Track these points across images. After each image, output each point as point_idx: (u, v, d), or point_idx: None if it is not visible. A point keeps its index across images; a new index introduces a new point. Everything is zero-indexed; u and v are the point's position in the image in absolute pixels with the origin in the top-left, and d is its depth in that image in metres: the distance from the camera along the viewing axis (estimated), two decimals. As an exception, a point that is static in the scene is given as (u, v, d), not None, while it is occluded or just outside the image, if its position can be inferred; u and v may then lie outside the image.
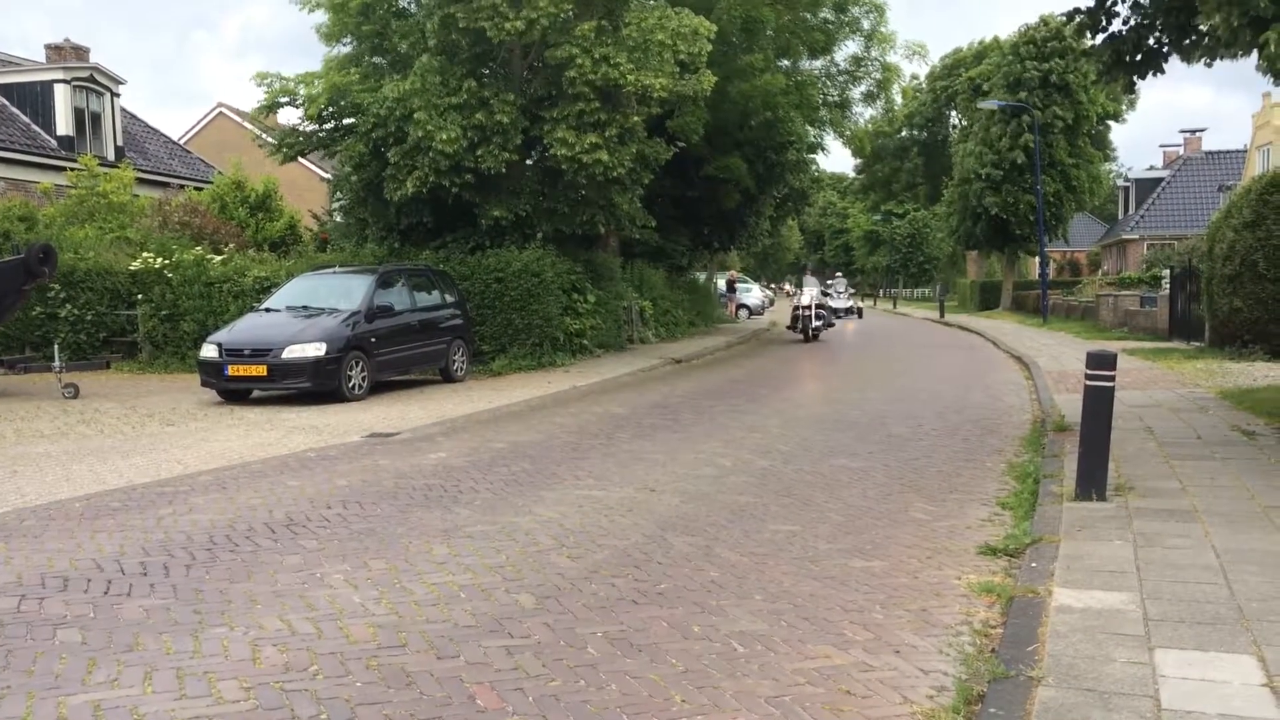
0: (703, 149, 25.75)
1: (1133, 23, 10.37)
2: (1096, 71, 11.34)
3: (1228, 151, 52.06)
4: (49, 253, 15.32)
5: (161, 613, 5.29)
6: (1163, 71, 10.54)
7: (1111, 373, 7.27)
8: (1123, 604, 5.00)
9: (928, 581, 5.76)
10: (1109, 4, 10.43)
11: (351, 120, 19.61)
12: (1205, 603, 4.99)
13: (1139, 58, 10.46)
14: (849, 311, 42.92)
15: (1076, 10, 10.78)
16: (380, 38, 19.98)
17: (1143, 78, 10.66)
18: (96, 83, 28.60)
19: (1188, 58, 10.08)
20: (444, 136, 17.45)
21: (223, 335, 14.89)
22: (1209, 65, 9.90)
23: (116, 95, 29.40)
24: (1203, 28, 8.80)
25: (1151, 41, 10.35)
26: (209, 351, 14.57)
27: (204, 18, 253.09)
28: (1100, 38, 10.69)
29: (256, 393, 14.80)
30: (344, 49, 20.79)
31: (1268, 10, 8.32)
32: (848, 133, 31.96)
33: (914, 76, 56.74)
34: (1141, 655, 4.33)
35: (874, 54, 29.80)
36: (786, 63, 28.69)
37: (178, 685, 4.35)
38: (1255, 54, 9.20)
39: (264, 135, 22.19)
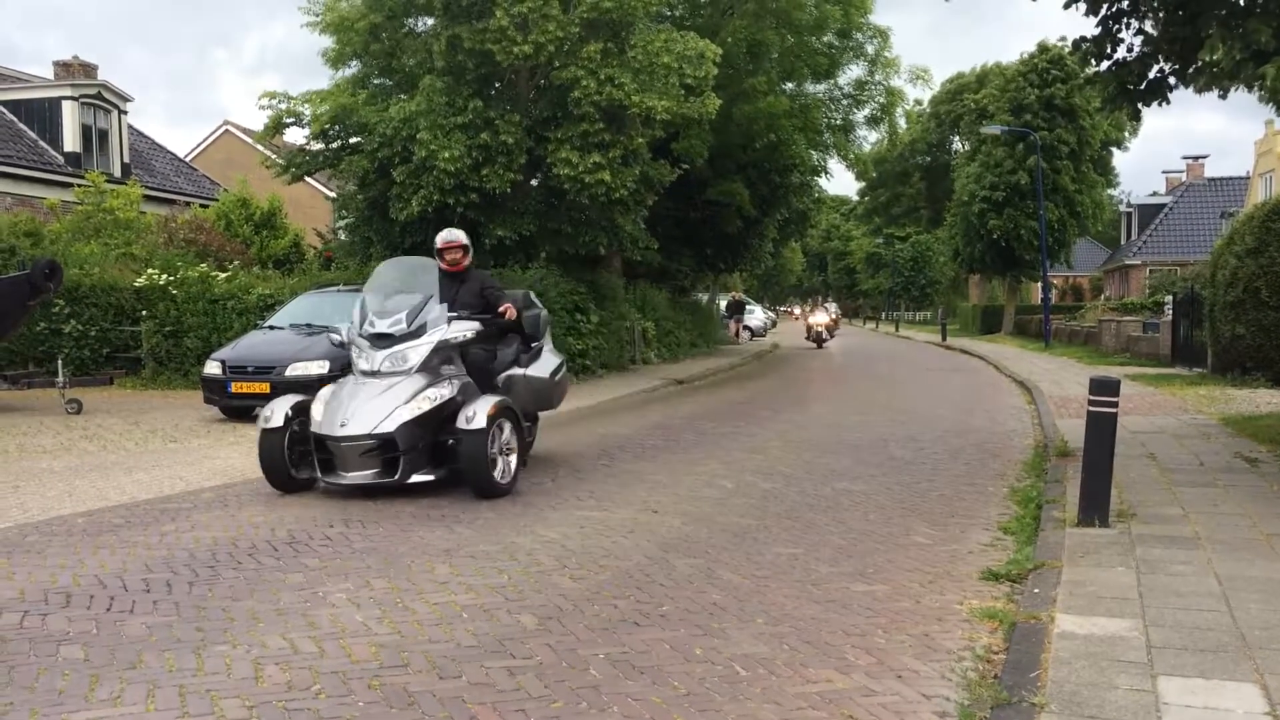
0: (706, 171, 25.87)
1: (1138, 51, 10.42)
2: (1102, 99, 11.37)
3: (1230, 178, 52.23)
4: (54, 268, 15.37)
5: (164, 630, 5.29)
6: (1168, 100, 10.59)
7: (1114, 399, 7.28)
8: (1125, 631, 5.00)
9: (930, 606, 5.76)
10: (1115, 31, 10.48)
11: (357, 139, 19.73)
12: (1208, 630, 4.99)
13: (1144, 86, 10.51)
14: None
15: (1083, 39, 10.84)
16: (389, 58, 20.12)
17: (1147, 105, 10.70)
18: (104, 100, 28.77)
19: (1193, 86, 10.14)
20: (447, 155, 17.53)
21: (226, 352, 14.91)
22: (1223, 96, 9.95)
23: (124, 112, 29.57)
24: (1206, 59, 8.85)
25: (1156, 71, 10.40)
26: (212, 368, 14.59)
27: (224, 35, 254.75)
28: (1105, 65, 10.74)
29: (259, 410, 14.80)
30: (350, 71, 20.94)
31: (1269, 44, 8.38)
32: (851, 156, 32.07)
33: (918, 101, 56.94)
34: (1144, 682, 4.33)
35: (878, 78, 29.95)
36: (790, 86, 28.83)
37: (180, 703, 4.35)
38: (1257, 85, 9.28)
39: (272, 155, 22.34)
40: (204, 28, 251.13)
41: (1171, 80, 10.41)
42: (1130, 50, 10.59)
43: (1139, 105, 10.74)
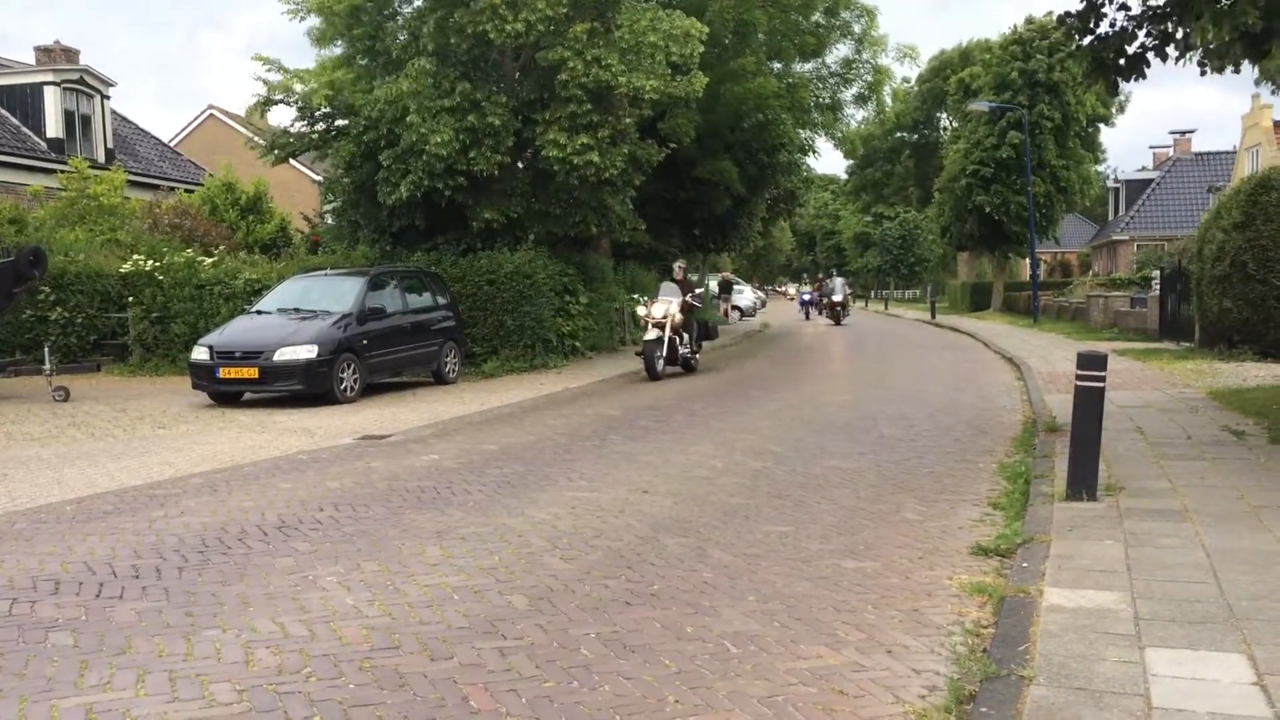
0: (694, 151, 25.78)
1: (1120, 26, 10.41)
2: (1082, 73, 11.37)
3: (1217, 153, 52.30)
4: (39, 255, 15.29)
5: (154, 615, 5.28)
6: (1144, 76, 10.59)
7: (1102, 373, 7.30)
8: (1113, 603, 5.02)
9: (920, 582, 5.78)
10: (1099, 6, 10.47)
11: (343, 122, 19.59)
12: (1195, 602, 5.02)
13: (1121, 62, 10.51)
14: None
15: (1067, 14, 10.84)
16: (371, 39, 19.96)
17: (1126, 80, 10.71)
18: (86, 85, 28.53)
19: (1175, 59, 10.15)
20: (438, 139, 17.45)
21: (214, 338, 14.87)
22: (1216, 71, 9.94)
23: (107, 97, 29.34)
24: (1199, 42, 8.86)
25: (1135, 46, 10.39)
26: (200, 354, 14.55)
27: (214, 18, 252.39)
28: (1088, 40, 10.73)
29: (248, 395, 14.79)
30: (336, 51, 20.78)
31: (1256, 25, 8.41)
32: (839, 135, 32.00)
33: (904, 80, 56.80)
34: (1132, 654, 4.36)
35: (865, 57, 29.88)
36: (778, 65, 28.73)
37: (170, 688, 4.34)
38: (1247, 65, 9.30)
39: (255, 137, 22.17)
40: (194, 10, 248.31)
41: (1150, 56, 10.41)
42: (1114, 25, 10.58)
43: (1117, 80, 10.74)
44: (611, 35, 18.51)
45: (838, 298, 39.82)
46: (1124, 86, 10.99)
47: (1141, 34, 10.23)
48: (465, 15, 17.61)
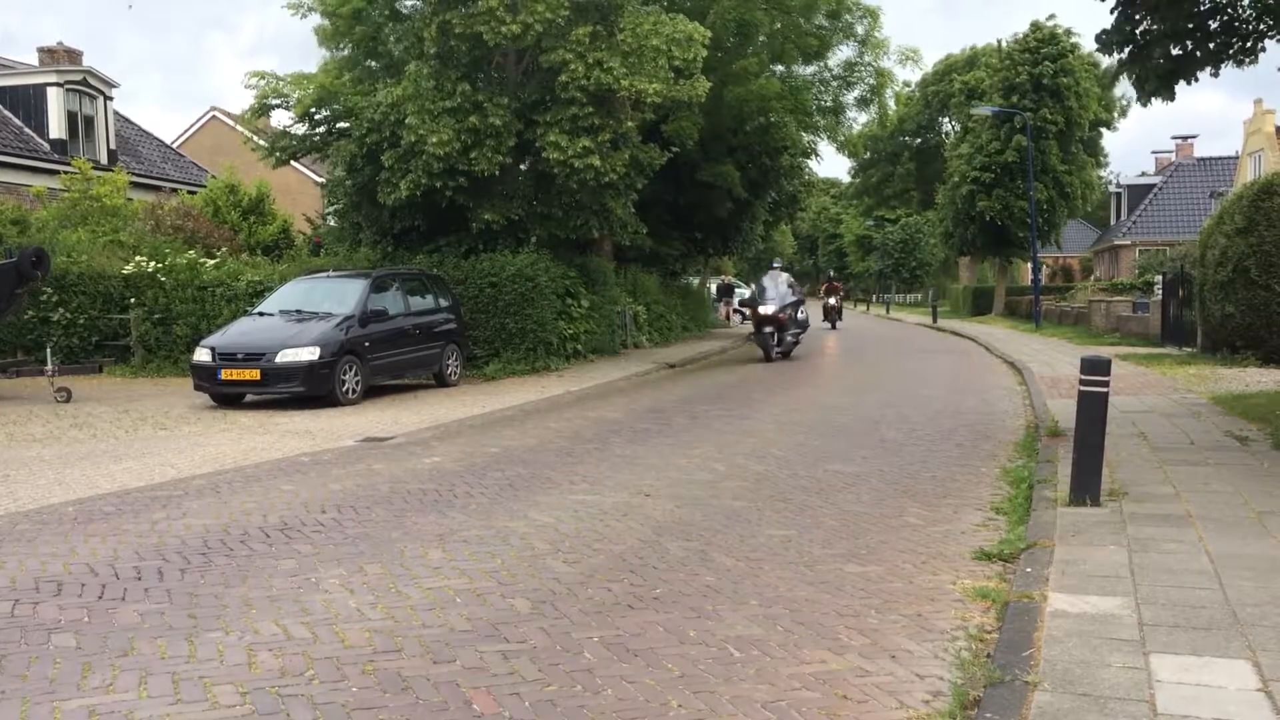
0: (697, 154, 25.77)
1: (1155, 33, 10.50)
2: (1138, 90, 11.40)
3: (1219, 158, 52.31)
4: (42, 256, 15.29)
5: (156, 617, 5.28)
6: (1196, 79, 10.68)
7: (1105, 378, 7.29)
8: (1118, 609, 5.01)
9: (923, 586, 5.77)
10: (1132, 15, 10.54)
11: (345, 124, 19.62)
12: (1200, 608, 5.00)
13: (1171, 69, 10.60)
14: None
15: (1104, 31, 10.92)
16: (374, 42, 20.00)
17: (1175, 84, 10.81)
18: (89, 86, 28.55)
19: (1216, 65, 10.24)
20: (436, 139, 17.46)
21: (216, 339, 14.86)
22: (1244, 66, 10.06)
23: (110, 98, 29.36)
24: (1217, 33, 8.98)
25: (1178, 51, 10.50)
26: (202, 355, 14.55)
27: (221, 18, 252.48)
28: (1127, 51, 10.81)
29: (250, 397, 14.78)
30: (342, 53, 20.83)
31: None
32: (841, 138, 31.97)
33: (906, 83, 56.77)
34: (1137, 660, 4.35)
35: (867, 59, 29.84)
36: (780, 68, 28.72)
37: (173, 690, 4.34)
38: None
39: (256, 138, 22.21)
40: (201, 10, 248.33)
41: (1199, 57, 10.48)
42: (1146, 35, 10.64)
43: (1172, 86, 10.85)
44: (614, 38, 18.51)
45: (769, 309, 22.54)
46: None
47: (1185, 37, 10.30)
48: (460, 17, 17.62)
